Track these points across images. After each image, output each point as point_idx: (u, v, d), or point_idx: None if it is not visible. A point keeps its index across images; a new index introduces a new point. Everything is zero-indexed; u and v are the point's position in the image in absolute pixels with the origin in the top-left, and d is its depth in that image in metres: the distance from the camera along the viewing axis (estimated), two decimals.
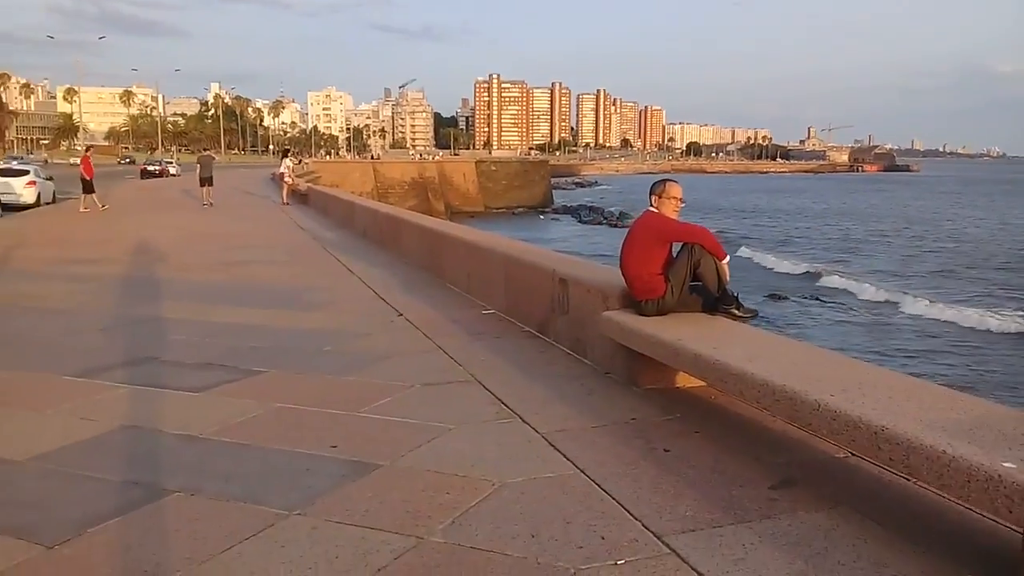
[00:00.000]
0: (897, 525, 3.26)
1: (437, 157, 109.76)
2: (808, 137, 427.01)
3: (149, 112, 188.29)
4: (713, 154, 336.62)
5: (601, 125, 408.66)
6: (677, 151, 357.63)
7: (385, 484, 3.78)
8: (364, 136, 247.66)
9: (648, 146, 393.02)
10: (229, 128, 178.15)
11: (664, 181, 5.36)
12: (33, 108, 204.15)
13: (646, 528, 3.26)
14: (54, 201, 28.56)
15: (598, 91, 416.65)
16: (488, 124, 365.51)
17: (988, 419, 3.09)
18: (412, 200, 62.39)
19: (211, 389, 5.45)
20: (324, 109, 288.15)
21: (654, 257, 5.13)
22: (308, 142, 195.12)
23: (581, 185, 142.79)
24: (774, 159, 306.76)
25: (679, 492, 3.60)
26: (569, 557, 3.04)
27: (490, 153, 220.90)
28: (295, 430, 4.59)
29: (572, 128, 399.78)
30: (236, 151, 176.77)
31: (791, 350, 4.26)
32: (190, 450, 4.32)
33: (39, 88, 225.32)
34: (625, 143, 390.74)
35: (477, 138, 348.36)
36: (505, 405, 4.93)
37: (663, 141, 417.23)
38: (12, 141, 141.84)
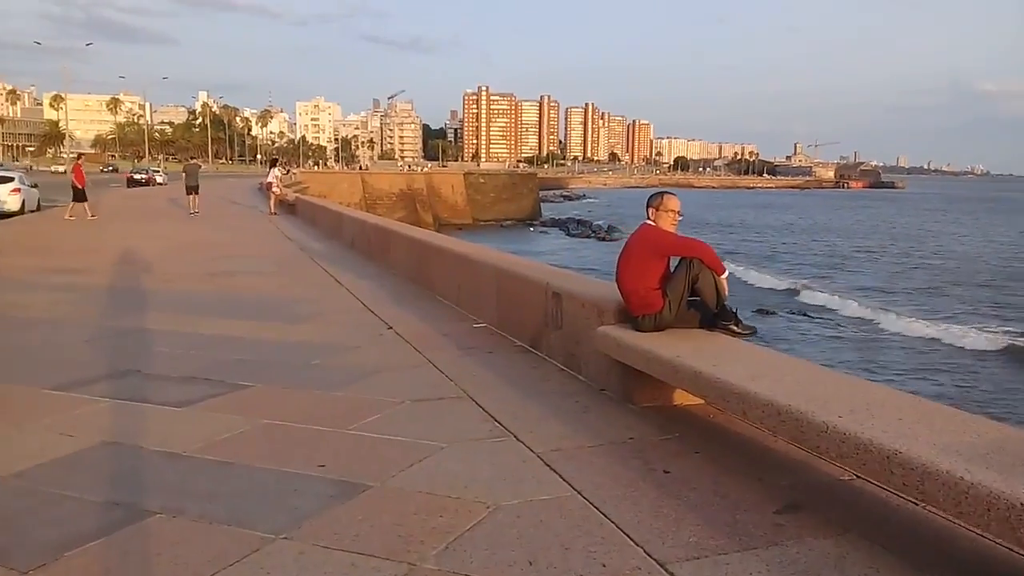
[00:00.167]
0: (909, 552, 3.14)
1: (426, 169, 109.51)
2: (794, 153, 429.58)
3: (136, 120, 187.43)
4: (700, 169, 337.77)
5: (589, 139, 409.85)
6: (665, 165, 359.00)
7: (375, 506, 3.64)
8: (352, 147, 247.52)
9: (636, 160, 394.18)
10: (217, 137, 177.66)
11: (662, 194, 5.26)
12: (19, 115, 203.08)
13: (648, 555, 3.13)
14: (39, 209, 28.25)
15: (586, 105, 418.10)
16: (477, 136, 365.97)
17: (1003, 443, 2.98)
18: (400, 212, 62.24)
19: (195, 404, 5.29)
20: (312, 119, 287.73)
21: (651, 271, 5.02)
22: (296, 152, 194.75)
23: (569, 198, 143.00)
24: (761, 174, 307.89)
25: (681, 516, 3.48)
26: None
27: (478, 165, 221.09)
28: (282, 448, 4.44)
29: (560, 141, 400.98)
30: (224, 160, 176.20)
31: (794, 368, 4.14)
32: (173, 468, 4.17)
33: (25, 95, 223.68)
34: (613, 157, 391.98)
35: (466, 150, 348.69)
36: (498, 423, 4.80)
37: (651, 155, 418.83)
38: None
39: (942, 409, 3.46)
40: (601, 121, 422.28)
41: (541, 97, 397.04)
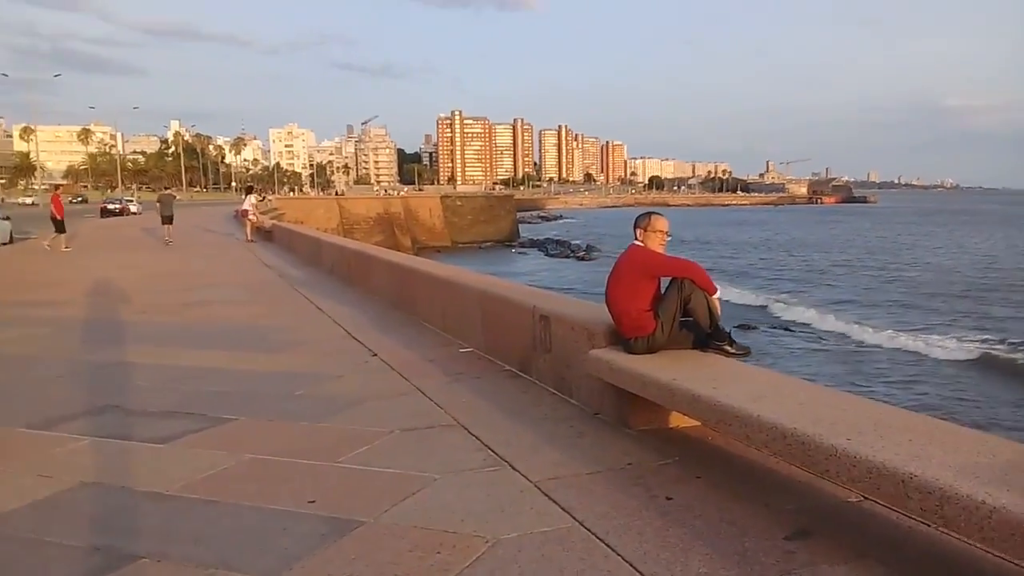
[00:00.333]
0: None
1: (402, 193, 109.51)
2: (767, 170, 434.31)
3: (108, 150, 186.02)
4: (675, 188, 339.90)
5: (564, 160, 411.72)
6: (640, 185, 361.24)
7: (369, 544, 3.49)
8: (328, 172, 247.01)
9: (611, 180, 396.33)
10: (190, 166, 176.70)
11: (649, 214, 5.17)
12: None
13: None
14: (11, 241, 27.85)
15: (560, 127, 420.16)
16: (452, 159, 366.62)
17: (1020, 462, 2.89)
18: (378, 236, 62.04)
19: (177, 440, 5.11)
20: (287, 146, 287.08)
21: (642, 292, 4.93)
22: (271, 179, 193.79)
23: (546, 219, 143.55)
24: (735, 192, 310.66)
25: (688, 546, 3.35)
26: None
27: (455, 188, 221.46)
28: (268, 484, 4.28)
29: (535, 163, 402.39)
30: (198, 188, 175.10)
31: (796, 389, 4.04)
32: (156, 509, 3.99)
33: None
34: (588, 177, 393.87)
35: (441, 173, 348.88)
36: (492, 451, 4.66)
37: (626, 175, 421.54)
38: None
39: (951, 427, 3.37)
40: (575, 143, 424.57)
41: (514, 120, 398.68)
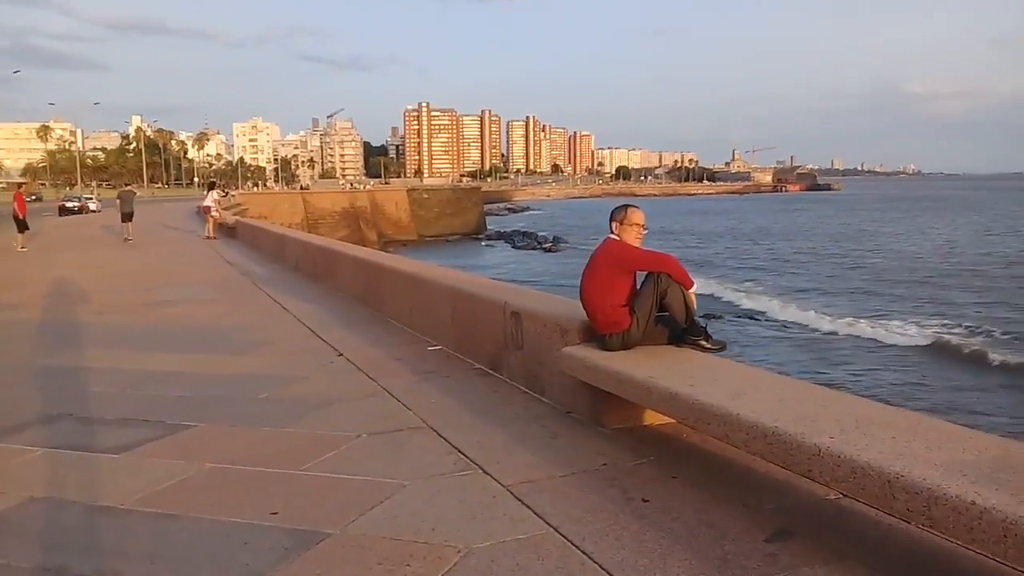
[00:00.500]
0: None
1: (368, 186, 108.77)
2: (732, 159, 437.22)
3: (68, 147, 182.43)
4: (642, 178, 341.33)
5: (531, 151, 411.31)
6: (607, 175, 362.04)
7: (335, 557, 3.33)
8: (293, 167, 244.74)
9: (578, 171, 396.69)
10: (152, 161, 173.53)
11: (625, 207, 5.04)
12: None
13: None
14: None
15: (527, 118, 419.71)
16: (419, 152, 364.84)
17: (1007, 459, 2.81)
18: (344, 230, 61.55)
19: (134, 449, 4.90)
20: (251, 140, 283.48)
21: (618, 288, 4.80)
22: (235, 174, 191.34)
23: (513, 211, 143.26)
24: (701, 181, 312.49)
25: (667, 551, 3.24)
26: None
27: (421, 181, 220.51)
28: (229, 495, 4.10)
29: (503, 155, 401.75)
30: (160, 185, 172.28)
31: (775, 385, 3.95)
32: (110, 525, 3.80)
33: None
34: (556, 168, 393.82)
35: (408, 166, 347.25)
36: (462, 454, 4.52)
37: (593, 166, 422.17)
38: None
39: (933, 423, 3.29)
40: (543, 133, 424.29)
41: (482, 112, 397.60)
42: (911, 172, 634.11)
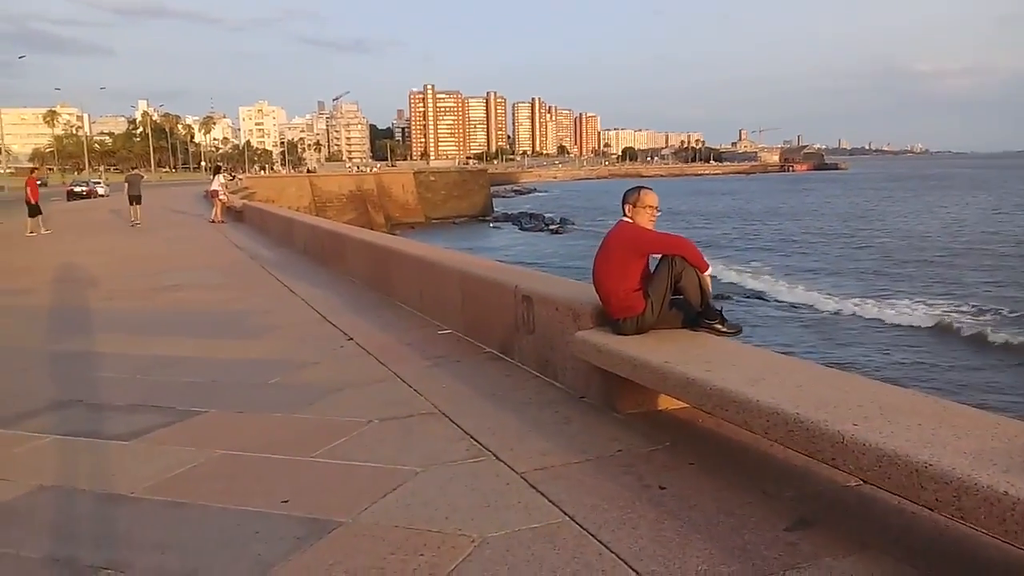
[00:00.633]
0: (937, 569, 2.89)
1: (375, 169, 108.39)
2: (739, 139, 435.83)
3: (75, 132, 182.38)
4: (648, 158, 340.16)
5: (537, 133, 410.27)
6: (613, 156, 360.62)
7: (348, 546, 3.28)
8: (299, 150, 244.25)
9: (584, 152, 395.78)
10: (159, 146, 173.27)
11: (638, 189, 4.95)
12: None
13: None
14: None
15: (533, 99, 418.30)
16: (424, 134, 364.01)
17: None
18: (351, 213, 61.44)
19: (143, 436, 4.86)
20: (257, 124, 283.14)
21: (632, 271, 4.72)
22: (241, 158, 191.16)
23: (520, 193, 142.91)
24: (707, 161, 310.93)
25: (685, 540, 3.17)
26: None
27: (428, 163, 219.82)
28: (240, 482, 4.06)
29: (509, 136, 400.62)
30: (167, 169, 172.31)
31: (793, 370, 3.86)
32: (120, 514, 3.76)
33: None
34: (562, 150, 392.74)
35: (414, 149, 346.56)
36: (475, 440, 4.46)
37: (599, 147, 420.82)
38: None
39: (960, 409, 3.21)
40: (548, 115, 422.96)
41: (487, 93, 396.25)
42: (918, 151, 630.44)
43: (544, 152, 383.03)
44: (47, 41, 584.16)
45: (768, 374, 3.75)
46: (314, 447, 4.47)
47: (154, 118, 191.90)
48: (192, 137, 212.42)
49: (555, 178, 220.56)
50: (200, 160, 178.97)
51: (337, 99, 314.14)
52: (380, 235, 13.71)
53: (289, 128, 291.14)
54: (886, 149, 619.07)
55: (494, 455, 4.22)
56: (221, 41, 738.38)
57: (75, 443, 4.83)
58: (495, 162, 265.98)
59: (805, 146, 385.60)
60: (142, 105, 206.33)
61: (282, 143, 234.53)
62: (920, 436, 2.86)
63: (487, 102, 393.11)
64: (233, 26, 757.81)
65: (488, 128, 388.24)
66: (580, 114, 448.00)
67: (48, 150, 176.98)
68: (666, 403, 4.73)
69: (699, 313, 4.74)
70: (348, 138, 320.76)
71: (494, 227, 72.61)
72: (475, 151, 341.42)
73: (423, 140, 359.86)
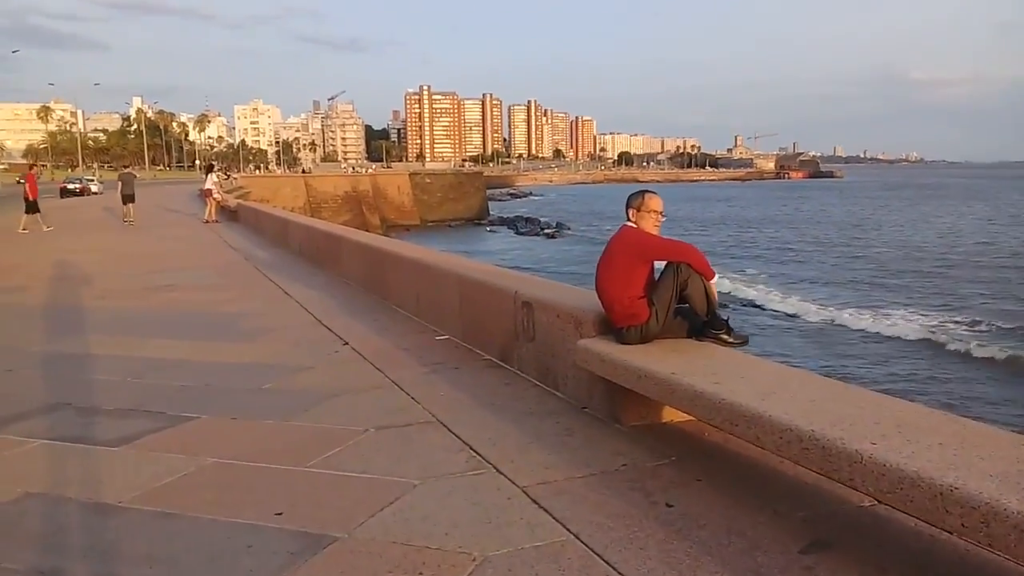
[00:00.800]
0: None
1: (370, 170, 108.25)
2: (735, 145, 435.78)
3: (68, 128, 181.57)
4: (644, 163, 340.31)
5: (533, 136, 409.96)
6: (609, 161, 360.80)
7: (344, 563, 3.15)
8: (294, 150, 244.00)
9: (580, 156, 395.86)
10: (153, 143, 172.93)
11: (643, 193, 4.83)
12: None
13: None
14: None
15: (529, 102, 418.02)
16: (420, 136, 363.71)
17: None
18: (346, 214, 61.25)
19: (133, 442, 4.72)
20: (252, 123, 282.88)
21: (636, 278, 4.59)
22: (236, 156, 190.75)
23: (516, 196, 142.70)
24: (703, 167, 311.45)
25: (696, 563, 3.05)
26: None
27: (423, 165, 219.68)
28: (232, 493, 3.92)
29: (505, 139, 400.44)
30: (161, 167, 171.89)
31: (804, 384, 3.74)
32: (106, 524, 3.62)
33: None
34: (557, 153, 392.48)
35: (409, 150, 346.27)
36: (475, 452, 4.33)
37: (595, 151, 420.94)
38: None
39: (982, 429, 3.09)
40: (545, 118, 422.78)
41: (484, 95, 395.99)
42: (914, 160, 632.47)
43: (540, 155, 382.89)
44: (43, 36, 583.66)
45: (778, 388, 3.64)
46: (309, 456, 4.34)
47: (148, 115, 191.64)
48: (187, 135, 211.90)
49: (551, 182, 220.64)
50: (195, 158, 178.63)
51: (333, 99, 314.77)
52: (376, 237, 13.58)
53: (284, 127, 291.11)
54: (881, 157, 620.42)
55: (494, 468, 4.09)
56: (217, 38, 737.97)
57: (64, 448, 4.69)
58: (491, 165, 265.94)
59: (800, 153, 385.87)
60: (136, 102, 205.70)
61: (277, 142, 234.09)
62: (943, 457, 2.75)
63: (483, 104, 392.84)
64: (230, 23, 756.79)
65: (484, 130, 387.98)
66: (576, 117, 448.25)
67: (42, 146, 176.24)
68: (670, 415, 4.61)
69: (705, 323, 4.63)
70: (343, 138, 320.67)
71: (490, 230, 72.47)
72: (471, 153, 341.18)
73: (419, 142, 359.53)
